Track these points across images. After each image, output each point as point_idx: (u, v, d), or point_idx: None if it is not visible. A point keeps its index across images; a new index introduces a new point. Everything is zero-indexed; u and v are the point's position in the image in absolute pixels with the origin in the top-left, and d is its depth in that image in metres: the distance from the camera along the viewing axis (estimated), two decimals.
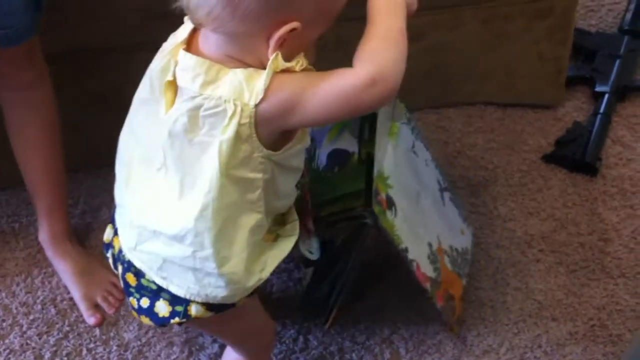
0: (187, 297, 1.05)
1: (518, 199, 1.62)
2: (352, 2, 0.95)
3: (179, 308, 1.07)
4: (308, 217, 1.21)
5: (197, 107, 0.94)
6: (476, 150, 1.72)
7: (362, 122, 1.29)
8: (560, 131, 1.75)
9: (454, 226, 1.48)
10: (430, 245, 1.36)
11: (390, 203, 1.27)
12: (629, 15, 1.93)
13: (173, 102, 0.97)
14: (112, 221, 1.14)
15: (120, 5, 1.44)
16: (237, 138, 0.93)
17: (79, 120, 1.54)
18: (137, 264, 1.07)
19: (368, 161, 1.26)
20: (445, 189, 1.49)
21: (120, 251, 1.09)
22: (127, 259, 1.08)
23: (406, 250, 1.28)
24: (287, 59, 0.93)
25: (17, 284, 1.50)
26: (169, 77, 0.97)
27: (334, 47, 1.25)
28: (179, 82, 0.96)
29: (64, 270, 1.49)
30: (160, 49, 1.01)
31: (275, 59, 0.92)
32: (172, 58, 0.97)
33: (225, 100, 0.92)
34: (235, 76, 0.93)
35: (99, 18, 1.45)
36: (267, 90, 0.92)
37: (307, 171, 1.18)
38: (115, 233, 1.11)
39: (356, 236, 1.27)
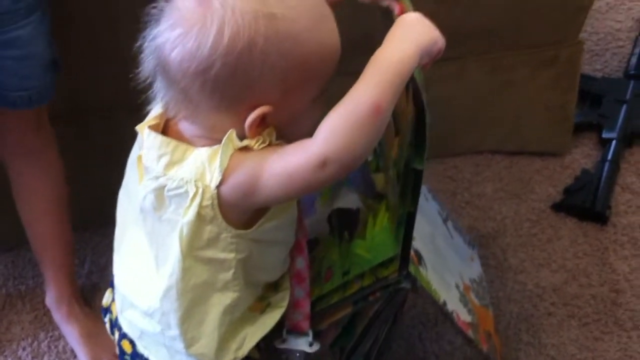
0: None
1: (528, 250, 1.61)
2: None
3: None
4: (305, 320, 1.09)
5: (161, 187, 0.91)
6: (484, 200, 1.70)
7: (404, 180, 1.07)
8: (569, 179, 1.73)
9: (465, 256, 1.41)
10: (457, 287, 1.28)
11: (419, 257, 1.17)
12: (634, 60, 1.92)
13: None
14: (111, 284, 1.13)
15: (127, 64, 1.43)
16: (200, 220, 0.89)
17: (85, 178, 1.53)
18: (125, 329, 1.06)
19: (408, 221, 1.08)
20: (446, 219, 1.41)
21: (117, 317, 1.08)
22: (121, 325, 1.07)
23: (445, 303, 1.20)
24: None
25: (24, 349, 1.49)
26: (139, 152, 0.95)
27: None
28: (144, 160, 0.94)
29: (71, 333, 1.47)
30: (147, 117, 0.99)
31: (229, 138, 0.88)
32: (140, 134, 0.96)
33: (186, 182, 0.89)
34: (199, 155, 0.89)
35: (106, 76, 1.44)
36: (225, 171, 0.87)
37: (310, 268, 1.08)
38: (114, 298, 1.10)
39: (390, 303, 1.16)
